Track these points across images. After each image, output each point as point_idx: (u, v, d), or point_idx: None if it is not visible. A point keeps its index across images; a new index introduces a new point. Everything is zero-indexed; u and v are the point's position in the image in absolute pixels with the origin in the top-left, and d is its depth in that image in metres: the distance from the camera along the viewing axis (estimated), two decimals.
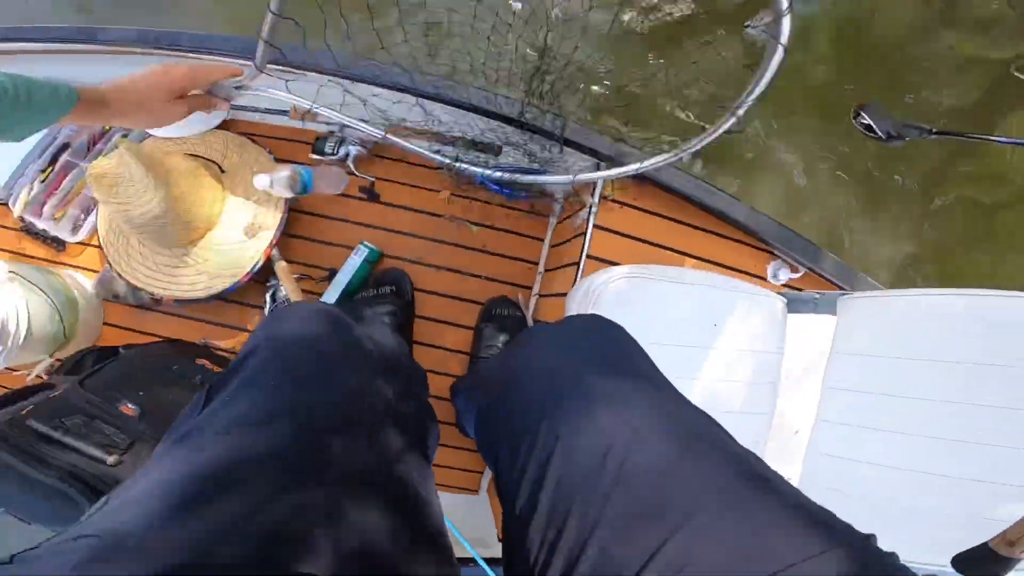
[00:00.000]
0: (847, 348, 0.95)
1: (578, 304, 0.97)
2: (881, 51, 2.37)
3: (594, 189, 1.16)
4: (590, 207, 1.15)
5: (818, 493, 0.43)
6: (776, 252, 1.21)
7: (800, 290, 1.21)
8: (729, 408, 0.95)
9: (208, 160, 1.31)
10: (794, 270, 1.23)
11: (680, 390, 0.56)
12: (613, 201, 1.18)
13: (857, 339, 0.94)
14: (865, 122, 1.05)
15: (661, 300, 0.93)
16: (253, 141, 1.36)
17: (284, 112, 1.39)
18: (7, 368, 1.19)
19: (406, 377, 0.81)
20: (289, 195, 1.25)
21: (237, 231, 1.25)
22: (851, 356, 0.94)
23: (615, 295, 0.90)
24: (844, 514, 0.41)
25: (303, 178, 1.25)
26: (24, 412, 0.92)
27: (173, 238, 1.21)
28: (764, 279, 1.23)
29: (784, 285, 1.23)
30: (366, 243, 1.34)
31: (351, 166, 1.37)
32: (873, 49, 2.38)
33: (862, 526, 0.40)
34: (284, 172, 1.22)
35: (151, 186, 1.11)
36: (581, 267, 1.15)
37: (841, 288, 1.21)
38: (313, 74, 1.13)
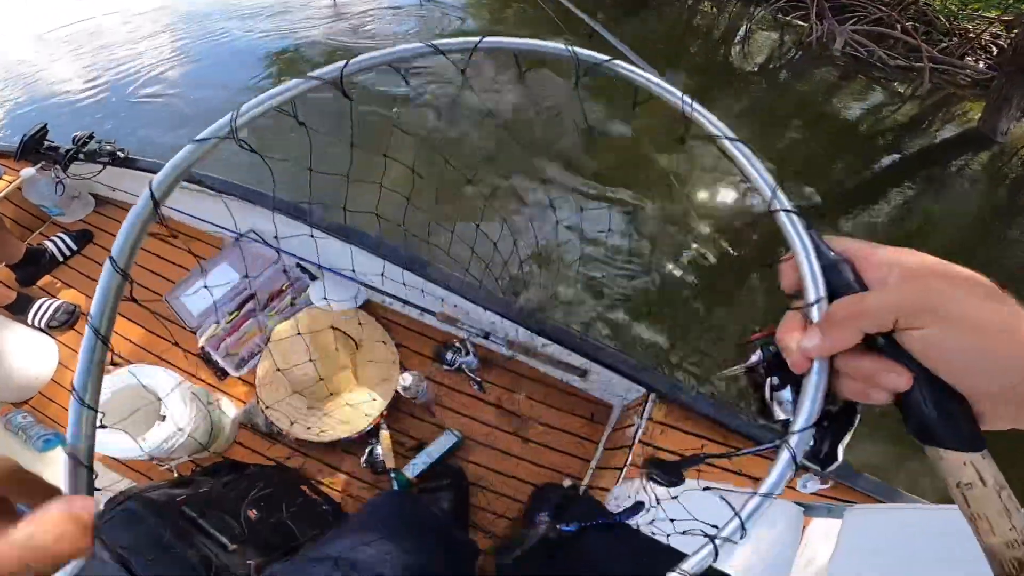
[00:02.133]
0: (846, 554, 1.03)
1: (618, 500, 1.17)
2: None
3: (643, 411, 1.44)
4: (637, 426, 1.42)
5: None
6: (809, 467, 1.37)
7: (831, 498, 1.30)
8: None
9: (347, 335, 1.75)
10: (824, 481, 1.32)
11: None
12: (658, 423, 1.44)
13: (856, 545, 1.02)
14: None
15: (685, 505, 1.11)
16: (386, 327, 1.80)
17: (427, 310, 1.77)
18: (155, 458, 1.48)
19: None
20: (408, 395, 1.61)
21: (361, 396, 1.61)
22: (848, 563, 1.02)
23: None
24: None
25: (422, 392, 1.64)
26: (179, 500, 1.20)
27: (314, 394, 1.59)
28: (794, 488, 1.34)
29: (814, 494, 1.31)
30: (454, 431, 1.64)
31: (466, 370, 1.75)
32: None
33: None
34: (413, 378, 1.61)
35: (311, 353, 1.53)
36: (622, 473, 1.38)
37: (875, 498, 1.27)
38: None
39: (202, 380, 1.81)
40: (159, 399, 1.38)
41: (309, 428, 1.56)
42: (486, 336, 1.69)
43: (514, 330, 1.63)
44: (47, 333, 1.90)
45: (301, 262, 1.94)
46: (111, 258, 0.37)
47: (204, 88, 4.44)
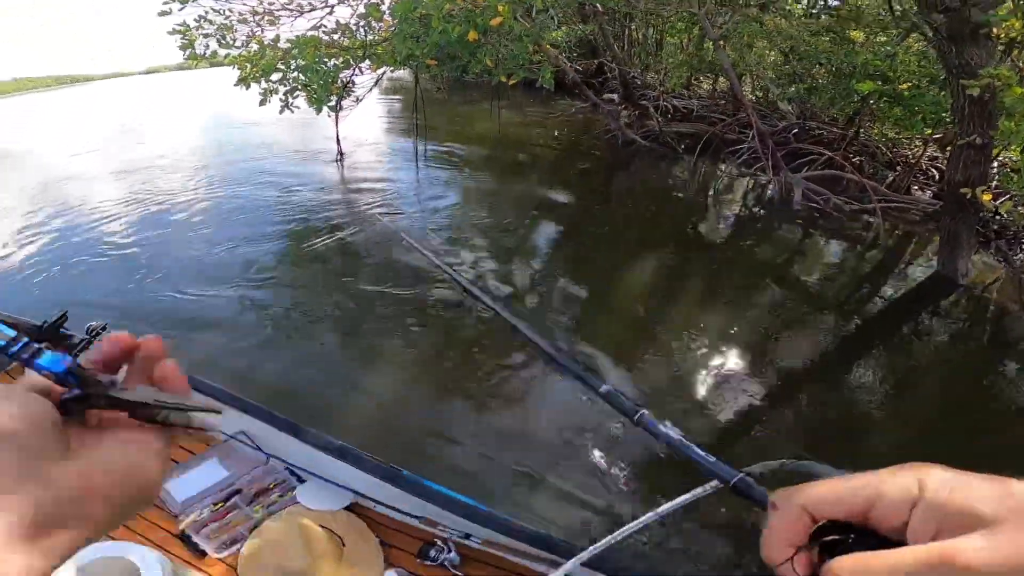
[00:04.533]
0: None
1: None
2: None
3: None
4: None
5: None
6: None
7: None
8: None
9: (334, 534, 1.73)
10: None
11: None
12: None
13: None
14: None
15: None
16: (372, 527, 1.80)
17: (411, 515, 1.83)
18: None
19: None
20: None
21: None
22: None
23: None
24: None
25: None
26: None
27: None
28: None
29: None
30: None
31: (450, 568, 1.76)
32: None
33: None
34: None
35: (301, 553, 1.49)
36: None
37: None
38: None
39: (179, 557, 1.77)
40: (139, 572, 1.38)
41: None
42: (467, 537, 1.77)
43: (492, 534, 1.73)
44: None
45: (289, 466, 2.03)
46: None
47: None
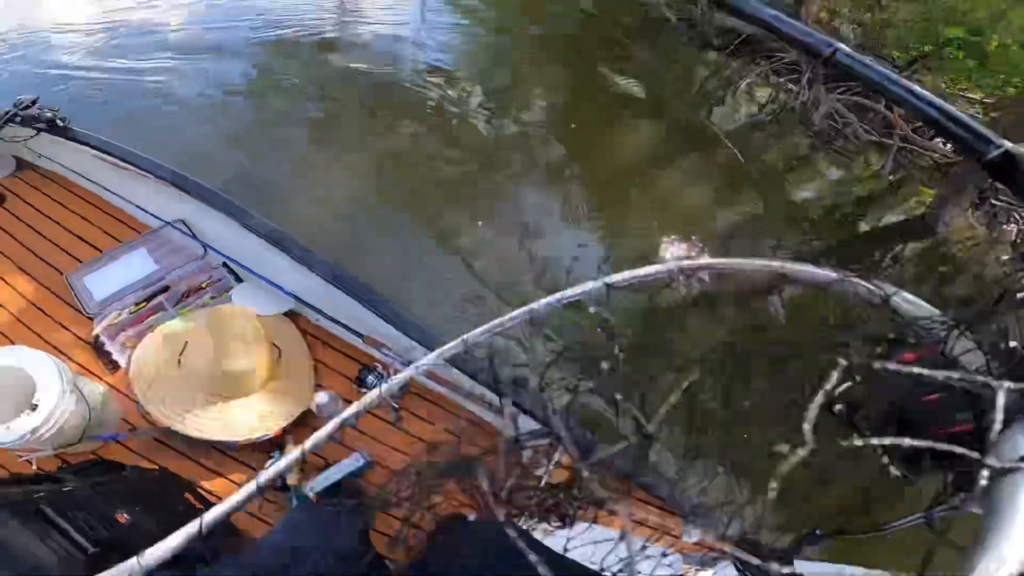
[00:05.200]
0: None
1: None
2: None
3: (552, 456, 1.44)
4: (545, 469, 1.41)
5: None
6: None
7: None
8: None
9: (272, 343, 1.70)
10: None
11: None
12: (566, 467, 1.44)
13: None
14: None
15: None
16: (309, 342, 1.76)
17: (354, 331, 1.74)
18: (14, 450, 1.34)
19: None
20: (322, 415, 1.57)
21: (265, 405, 1.57)
22: None
23: None
24: None
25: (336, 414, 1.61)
26: (36, 496, 1.13)
27: (222, 387, 1.53)
28: None
29: None
30: (363, 454, 1.60)
31: (387, 398, 1.70)
32: None
33: None
34: (329, 398, 1.57)
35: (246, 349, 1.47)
36: None
37: None
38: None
39: (88, 371, 1.71)
40: (34, 385, 1.28)
41: (200, 429, 1.50)
42: (409, 364, 1.64)
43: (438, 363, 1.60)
44: None
45: (228, 262, 1.88)
46: None
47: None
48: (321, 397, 1.56)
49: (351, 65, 4.52)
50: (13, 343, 1.57)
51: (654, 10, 7.13)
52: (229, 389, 1.54)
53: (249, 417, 1.53)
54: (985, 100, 5.76)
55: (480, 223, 3.32)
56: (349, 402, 1.68)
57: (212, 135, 3.64)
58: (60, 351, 1.69)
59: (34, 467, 1.39)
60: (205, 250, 1.90)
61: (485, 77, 4.86)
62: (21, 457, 1.42)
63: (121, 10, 4.90)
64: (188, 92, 4.01)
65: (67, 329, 1.74)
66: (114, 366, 1.70)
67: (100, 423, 1.51)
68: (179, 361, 1.55)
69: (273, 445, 1.55)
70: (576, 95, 5.21)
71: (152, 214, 1.90)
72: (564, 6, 7.04)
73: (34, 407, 1.24)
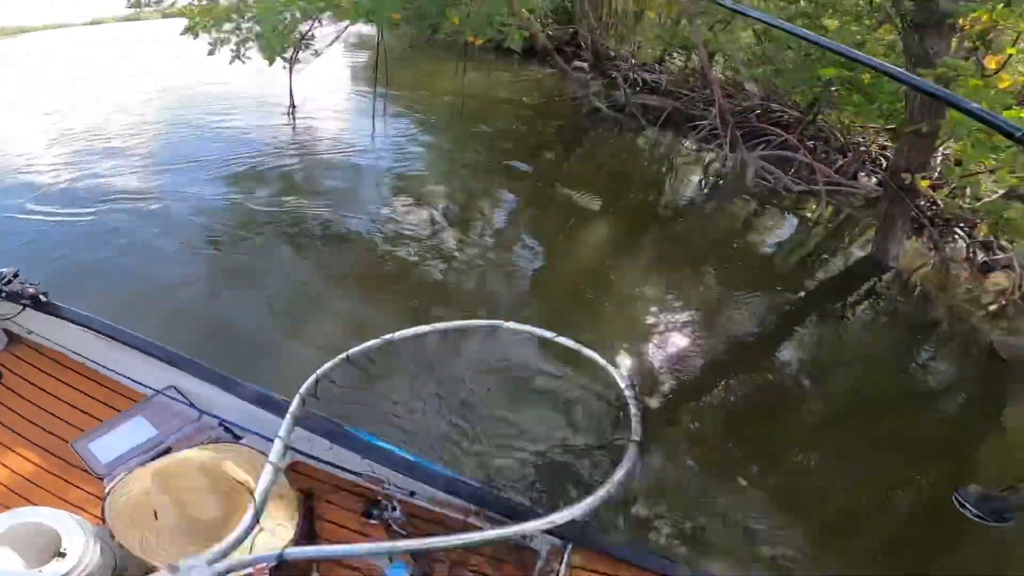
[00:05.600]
0: None
1: None
2: None
3: (563, 559, 1.49)
4: (556, 572, 1.46)
5: None
6: None
7: None
8: None
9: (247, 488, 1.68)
10: None
11: None
12: (580, 569, 1.48)
13: None
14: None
15: None
16: (317, 487, 1.81)
17: (354, 472, 1.83)
18: None
19: None
20: None
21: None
22: None
23: None
24: None
25: None
26: None
27: (205, 537, 1.53)
28: None
29: None
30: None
31: (395, 526, 1.78)
32: None
33: None
34: None
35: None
36: None
37: None
38: None
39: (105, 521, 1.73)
40: (58, 538, 1.35)
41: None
42: (412, 494, 1.78)
43: (436, 492, 1.74)
44: None
45: (224, 423, 1.96)
46: None
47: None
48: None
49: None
50: (32, 503, 1.63)
51: (585, 104, 7.89)
52: (212, 536, 1.54)
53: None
54: (889, 127, 6.28)
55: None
56: (359, 533, 1.75)
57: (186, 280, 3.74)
58: (78, 507, 1.74)
59: None
60: (200, 414, 1.98)
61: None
62: None
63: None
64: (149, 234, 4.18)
65: (80, 488, 1.80)
66: None
67: (124, 569, 1.52)
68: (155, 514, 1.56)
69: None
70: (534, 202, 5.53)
71: (142, 384, 1.98)
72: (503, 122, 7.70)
73: (62, 555, 1.30)
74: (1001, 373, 3.85)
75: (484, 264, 4.30)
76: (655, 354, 3.56)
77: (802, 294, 4.62)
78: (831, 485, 2.85)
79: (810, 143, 6.43)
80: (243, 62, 5.71)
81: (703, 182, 6.65)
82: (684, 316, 3.94)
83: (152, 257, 3.96)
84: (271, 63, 5.49)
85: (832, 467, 2.93)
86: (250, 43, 5.61)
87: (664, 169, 6.97)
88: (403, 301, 3.76)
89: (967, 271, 5.02)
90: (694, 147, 7.10)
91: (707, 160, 6.97)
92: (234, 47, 5.67)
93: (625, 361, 3.43)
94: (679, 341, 3.70)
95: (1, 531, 1.38)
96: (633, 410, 1.35)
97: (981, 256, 5.04)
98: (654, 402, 3.23)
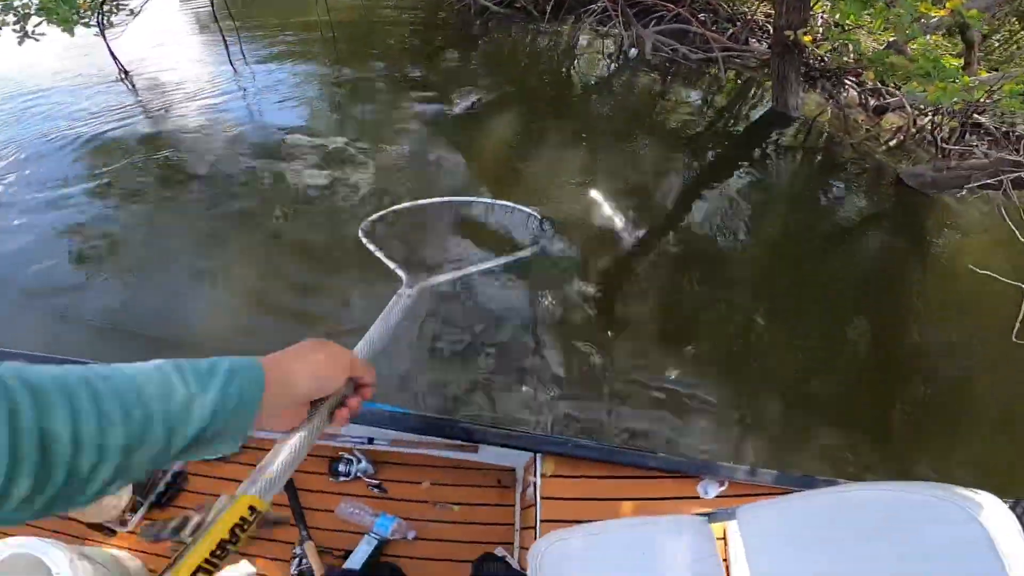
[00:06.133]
0: (752, 545, 1.17)
1: (533, 565, 1.23)
2: None
3: (535, 470, 1.56)
4: (534, 484, 1.55)
5: None
6: (701, 475, 1.54)
7: (741, 496, 1.51)
8: None
9: None
10: (720, 483, 1.51)
11: None
12: (552, 476, 1.56)
13: (757, 536, 1.16)
14: None
15: (589, 553, 1.21)
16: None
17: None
18: None
19: None
20: None
21: None
22: (758, 551, 1.15)
23: (555, 559, 1.21)
24: None
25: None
26: None
27: None
28: (698, 497, 1.53)
29: (718, 496, 1.51)
30: (372, 534, 1.70)
31: (365, 478, 1.80)
32: None
33: None
34: None
35: None
36: (537, 532, 1.48)
37: (770, 487, 1.48)
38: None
39: (94, 540, 1.73)
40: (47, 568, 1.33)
41: None
42: (371, 441, 1.79)
43: (395, 433, 1.72)
44: None
45: None
46: None
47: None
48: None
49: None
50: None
51: (473, 6, 7.34)
52: None
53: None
54: None
55: None
56: (330, 494, 1.75)
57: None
58: (56, 532, 1.73)
59: None
60: None
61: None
62: None
63: None
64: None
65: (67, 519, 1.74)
66: (110, 531, 1.73)
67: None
68: None
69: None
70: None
71: None
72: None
73: None
74: (912, 202, 4.21)
75: (405, 168, 4.15)
76: (583, 218, 3.66)
77: (717, 151, 4.83)
78: (768, 340, 3.07)
79: (701, 16, 6.41)
80: (37, 40, 4.81)
81: (606, 63, 6.53)
82: (608, 184, 4.04)
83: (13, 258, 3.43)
84: (71, 33, 4.66)
85: (766, 321, 3.15)
86: (34, 18, 4.71)
87: (566, 57, 6.75)
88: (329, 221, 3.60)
89: (863, 115, 5.42)
90: (590, 31, 6.89)
91: (605, 41, 6.80)
92: (16, 27, 4.76)
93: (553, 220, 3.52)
94: (604, 209, 3.80)
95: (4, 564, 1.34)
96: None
97: (873, 101, 5.43)
98: (586, 268, 3.34)
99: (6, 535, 1.42)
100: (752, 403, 2.75)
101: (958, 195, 4.12)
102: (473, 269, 1.26)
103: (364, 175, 4.04)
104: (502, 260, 1.41)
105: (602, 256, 3.49)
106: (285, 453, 0.59)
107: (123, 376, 0.45)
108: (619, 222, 3.72)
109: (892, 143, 5.06)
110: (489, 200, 1.95)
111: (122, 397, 0.43)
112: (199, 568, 0.47)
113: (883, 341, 3.21)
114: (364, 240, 1.29)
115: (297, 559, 1.67)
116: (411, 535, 1.75)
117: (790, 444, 2.65)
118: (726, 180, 4.45)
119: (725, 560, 1.39)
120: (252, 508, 0.53)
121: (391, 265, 1.14)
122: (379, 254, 1.25)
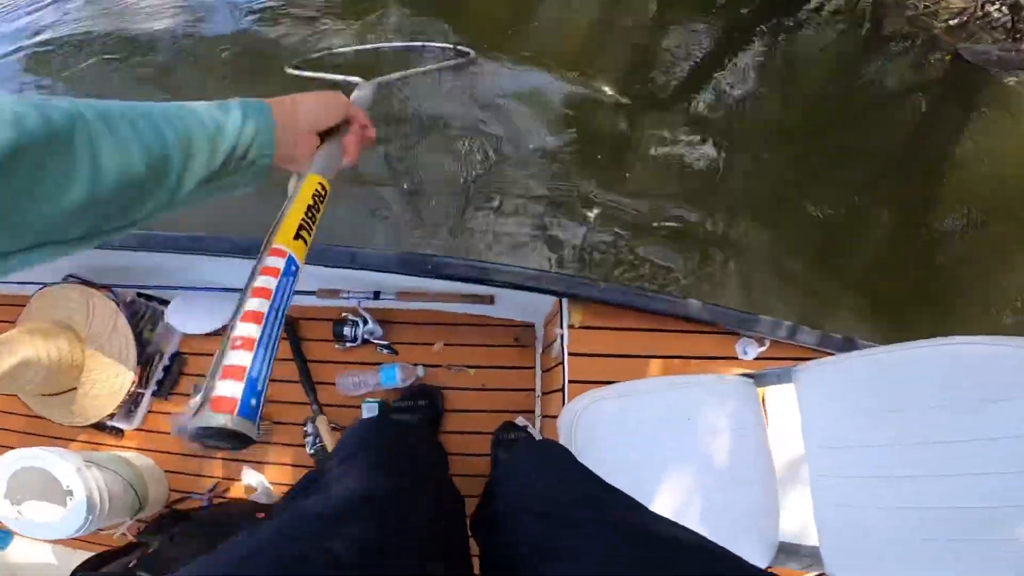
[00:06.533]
0: (811, 411, 1.03)
1: (565, 430, 1.09)
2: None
3: (561, 321, 1.35)
4: (560, 337, 1.34)
5: (840, 542, 0.63)
6: (740, 332, 1.33)
7: (779, 359, 1.34)
8: (732, 480, 1.02)
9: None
10: (760, 343, 1.33)
11: (678, 479, 0.83)
12: (581, 328, 1.34)
13: (816, 401, 1.03)
14: None
15: (629, 415, 1.06)
16: None
17: (304, 292, 1.59)
18: (99, 530, 1.42)
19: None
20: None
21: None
22: (816, 417, 1.02)
23: (592, 421, 1.06)
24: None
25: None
26: (131, 566, 1.15)
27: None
28: (736, 358, 1.34)
29: (757, 359, 1.33)
30: (374, 400, 1.62)
31: (372, 339, 1.63)
32: None
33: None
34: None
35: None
36: (565, 393, 1.31)
37: (813, 350, 1.31)
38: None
39: (103, 444, 1.66)
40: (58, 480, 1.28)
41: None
42: (377, 295, 1.57)
43: (403, 280, 1.49)
44: None
45: (142, 290, 1.68)
46: None
47: None
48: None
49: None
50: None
51: None
52: (43, 385, 1.47)
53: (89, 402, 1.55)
54: None
55: None
56: (340, 363, 1.62)
57: None
58: (69, 439, 1.68)
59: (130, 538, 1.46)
60: (112, 291, 1.60)
61: None
62: (115, 534, 1.49)
63: None
64: None
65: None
66: (118, 432, 1.65)
67: (142, 480, 1.51)
68: None
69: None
70: None
71: (32, 283, 1.62)
72: None
73: (70, 492, 1.26)
74: (971, 79, 3.78)
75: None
76: (607, 73, 3.38)
77: (753, 9, 4.31)
78: (800, 203, 2.91)
79: None
80: None
81: None
82: (635, 39, 3.68)
83: None
84: None
85: (800, 184, 2.98)
86: None
87: None
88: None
89: None
90: None
91: None
92: None
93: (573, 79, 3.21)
94: (632, 64, 3.50)
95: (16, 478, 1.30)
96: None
97: None
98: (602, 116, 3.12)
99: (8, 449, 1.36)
100: (780, 262, 2.67)
101: None
102: (421, 69, 1.22)
103: None
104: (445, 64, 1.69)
105: (635, 112, 3.23)
106: (326, 148, 0.66)
107: (159, 106, 0.51)
108: (639, 82, 3.39)
109: (953, 22, 4.48)
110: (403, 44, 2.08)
111: (171, 122, 0.49)
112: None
113: (920, 214, 3.01)
114: (295, 72, 1.19)
115: (311, 438, 1.59)
116: (421, 372, 1.63)
117: (821, 310, 2.58)
118: (763, 44, 3.98)
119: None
120: (321, 186, 0.60)
121: (338, 78, 1.20)
122: (320, 74, 1.24)
